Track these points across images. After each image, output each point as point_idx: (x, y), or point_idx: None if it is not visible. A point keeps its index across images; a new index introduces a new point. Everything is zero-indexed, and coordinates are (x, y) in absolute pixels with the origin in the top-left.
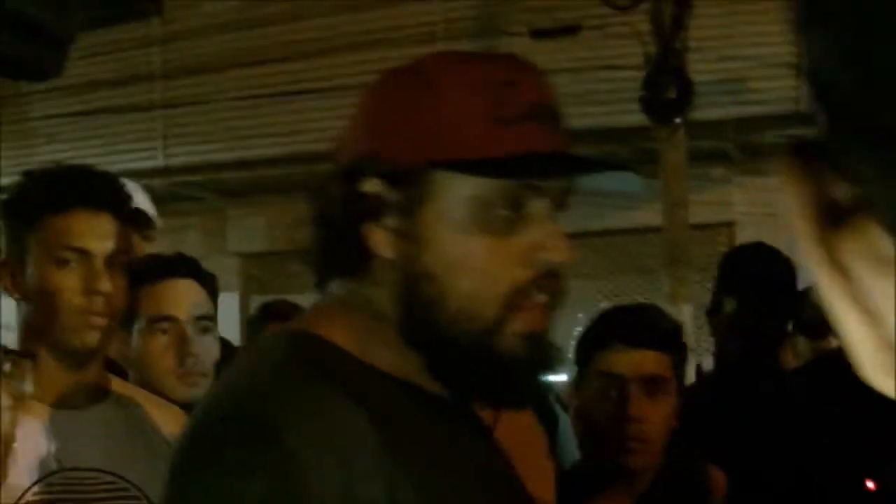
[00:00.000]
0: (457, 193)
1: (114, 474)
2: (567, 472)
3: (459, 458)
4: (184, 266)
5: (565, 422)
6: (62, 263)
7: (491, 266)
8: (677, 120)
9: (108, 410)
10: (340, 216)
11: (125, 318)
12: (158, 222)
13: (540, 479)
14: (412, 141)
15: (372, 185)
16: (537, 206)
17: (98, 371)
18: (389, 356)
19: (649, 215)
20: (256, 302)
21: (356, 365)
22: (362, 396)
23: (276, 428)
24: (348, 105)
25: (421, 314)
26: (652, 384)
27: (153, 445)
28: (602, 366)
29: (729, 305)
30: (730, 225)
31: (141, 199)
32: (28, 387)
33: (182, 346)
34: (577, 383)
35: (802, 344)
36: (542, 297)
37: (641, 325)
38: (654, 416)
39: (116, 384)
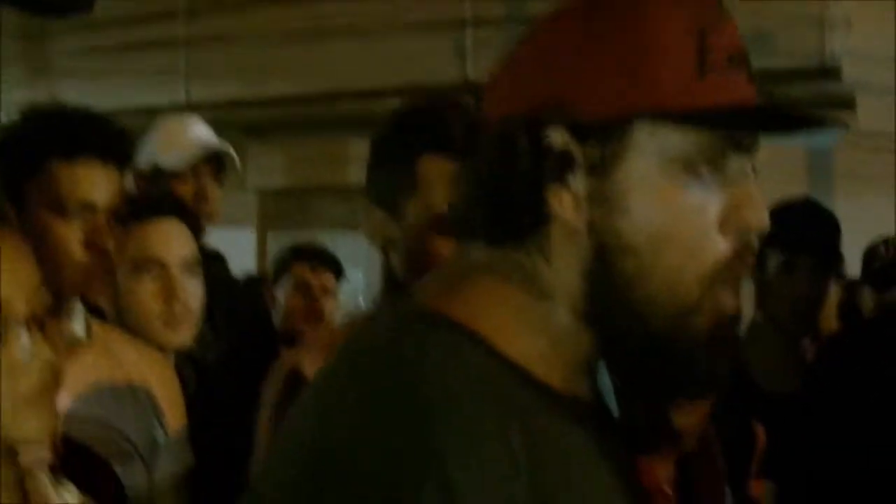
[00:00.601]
0: (658, 150)
1: (102, 422)
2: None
3: (608, 480)
4: (169, 205)
5: (603, 373)
6: (66, 214)
7: (694, 233)
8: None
9: (93, 355)
10: (520, 174)
11: None
12: (237, 162)
13: None
14: (610, 88)
15: (559, 138)
16: (736, 163)
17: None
18: (538, 345)
19: None
20: (273, 238)
21: (505, 367)
22: (516, 414)
23: (439, 463)
24: (372, 45)
25: (615, 293)
26: None
27: (136, 391)
28: None
29: (774, 259)
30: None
31: (216, 140)
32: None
33: (169, 290)
34: None
35: (868, 295)
36: (742, 271)
37: None
38: None
39: (98, 328)
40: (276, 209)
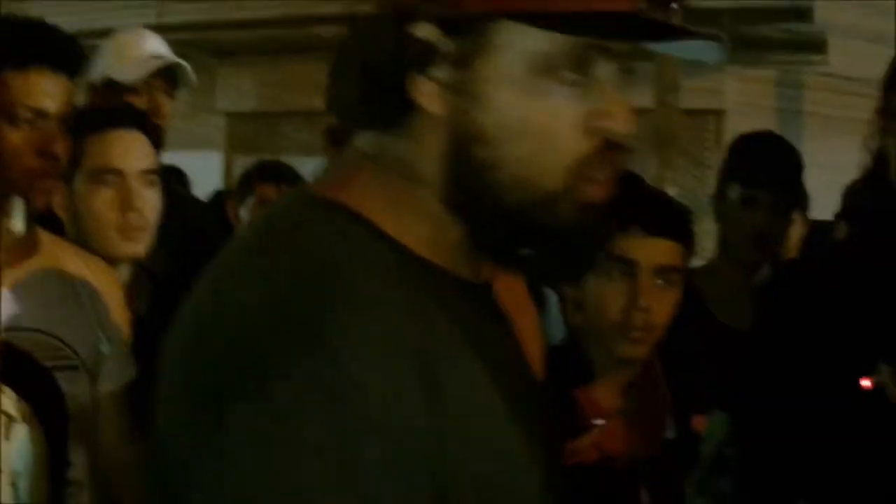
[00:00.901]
0: (522, 48)
1: (45, 332)
2: (553, 351)
3: (492, 352)
4: (130, 116)
5: (553, 303)
6: (17, 121)
7: (553, 131)
8: (674, 5)
9: (38, 267)
10: (384, 62)
11: (67, 168)
12: (192, 76)
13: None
14: None
15: (425, 30)
16: (604, 69)
17: (30, 226)
18: (419, 227)
19: (640, 97)
20: (240, 161)
21: (390, 245)
22: (400, 287)
23: (323, 332)
24: None
25: (470, 179)
26: (664, 274)
27: (82, 303)
28: (615, 249)
29: (734, 192)
30: (720, 113)
31: (170, 54)
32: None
33: (126, 200)
34: None
35: (844, 232)
36: (604, 172)
37: (662, 212)
38: (662, 308)
39: (46, 238)
40: (244, 132)
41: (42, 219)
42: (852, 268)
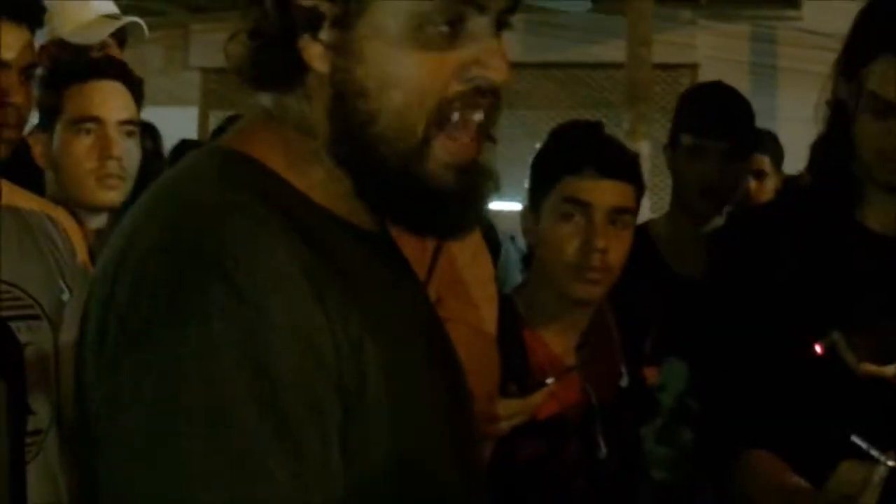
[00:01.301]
0: (395, 7)
1: (6, 282)
2: (508, 296)
3: (390, 294)
4: (112, 68)
5: (507, 250)
6: None
7: (422, 81)
8: None
9: None
10: (274, 28)
11: (48, 117)
12: (145, 31)
13: (486, 300)
14: None
15: None
16: (478, 23)
17: None
18: (317, 177)
19: (613, 51)
20: (215, 117)
21: (290, 192)
22: (299, 228)
23: (223, 267)
24: None
25: (351, 131)
26: (618, 215)
27: (43, 253)
28: (570, 191)
29: (686, 141)
30: (693, 67)
31: (115, 8)
32: None
33: (104, 147)
34: (534, 204)
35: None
36: (475, 115)
37: (614, 154)
38: (618, 249)
39: (6, 188)
40: (218, 88)
41: (13, 169)
42: (806, 224)
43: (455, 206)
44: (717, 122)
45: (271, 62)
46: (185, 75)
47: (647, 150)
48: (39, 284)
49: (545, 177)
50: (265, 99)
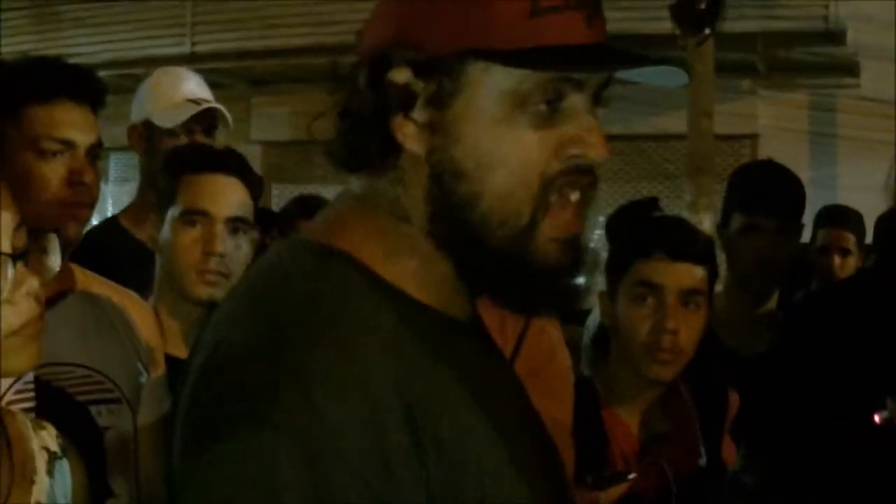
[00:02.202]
0: (492, 85)
1: (88, 367)
2: (587, 377)
3: (484, 389)
4: (231, 162)
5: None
6: (45, 154)
7: (524, 161)
8: (707, 30)
9: (77, 303)
10: (366, 107)
11: (163, 203)
12: (230, 120)
13: (561, 396)
14: (446, 28)
15: (401, 75)
16: (575, 100)
17: (66, 262)
18: (411, 266)
19: (674, 122)
20: (278, 190)
21: (383, 287)
22: (390, 328)
23: (303, 379)
24: None
25: (450, 213)
26: (689, 297)
27: (120, 337)
28: (642, 275)
29: (737, 221)
30: (753, 137)
31: (208, 93)
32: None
33: (208, 242)
34: (610, 287)
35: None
36: (575, 194)
37: (685, 238)
38: (689, 330)
39: (80, 274)
40: (279, 161)
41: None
42: (875, 299)
43: (562, 281)
44: (768, 199)
45: (363, 142)
46: (246, 149)
47: (709, 222)
48: (119, 368)
49: (619, 261)
50: (355, 184)
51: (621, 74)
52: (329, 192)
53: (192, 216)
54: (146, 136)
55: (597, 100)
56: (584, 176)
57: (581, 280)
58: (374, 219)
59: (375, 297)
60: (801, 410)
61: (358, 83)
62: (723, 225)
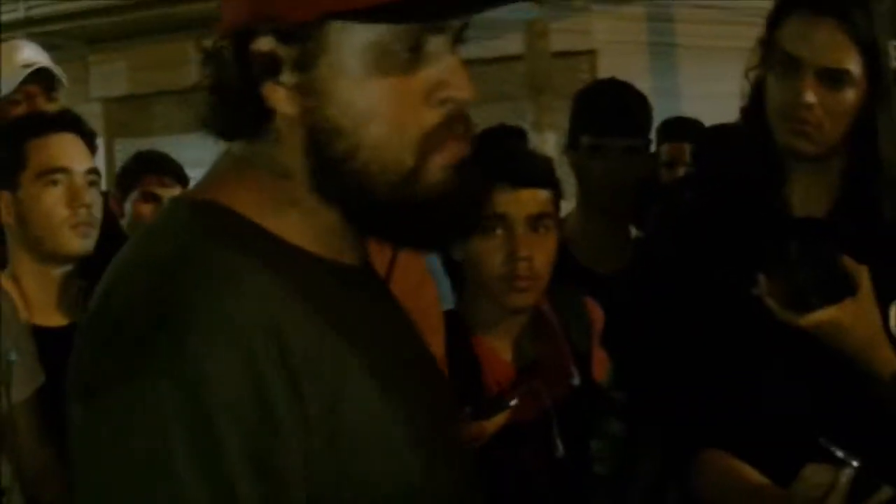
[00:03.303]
0: (353, 42)
1: None
2: (454, 310)
3: (376, 332)
4: (69, 121)
5: (433, 264)
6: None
7: (397, 110)
8: None
9: None
10: (236, 78)
11: (9, 173)
12: (63, 79)
13: (431, 329)
14: None
15: (265, 44)
16: (437, 43)
17: None
18: (293, 218)
19: (511, 44)
20: (121, 146)
21: (264, 236)
22: (273, 275)
23: (178, 328)
24: None
25: (331, 168)
26: (538, 222)
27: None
28: (487, 206)
29: (585, 142)
30: (591, 53)
31: (44, 58)
32: None
33: (75, 196)
34: None
35: None
36: (455, 137)
37: (525, 164)
38: (542, 254)
39: None
40: (120, 117)
41: None
42: (730, 220)
43: (458, 207)
44: (614, 119)
45: (237, 113)
46: (87, 107)
47: (553, 141)
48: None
49: None
50: (234, 147)
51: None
52: (170, 142)
53: (52, 175)
54: None
55: (458, 40)
56: (459, 124)
57: (477, 203)
58: (254, 176)
59: (254, 246)
60: (662, 320)
61: (224, 58)
62: (571, 146)
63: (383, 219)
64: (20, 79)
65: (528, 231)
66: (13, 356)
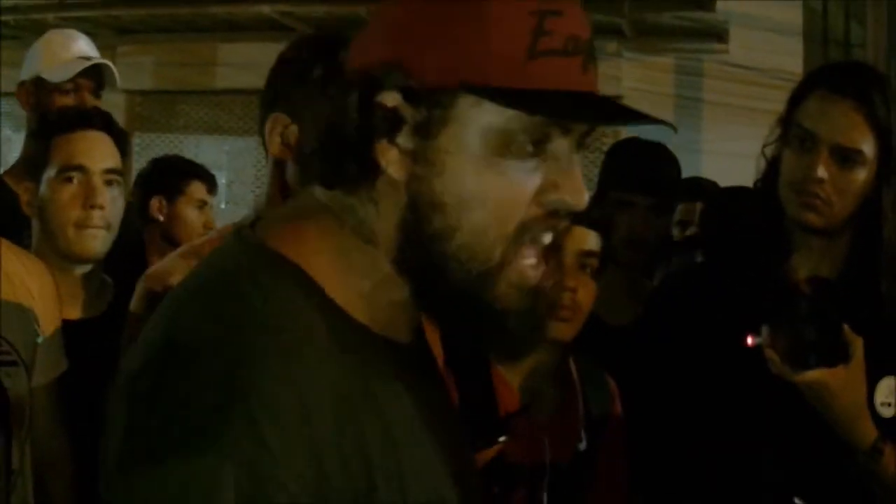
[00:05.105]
0: (481, 121)
1: None
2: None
3: (422, 412)
4: (97, 119)
5: None
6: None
7: (505, 202)
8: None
9: None
10: (352, 125)
11: (35, 167)
12: (116, 76)
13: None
14: (443, 59)
15: (391, 99)
16: (561, 144)
17: None
18: (363, 289)
19: None
20: (140, 139)
21: (330, 308)
22: (334, 353)
23: (251, 405)
24: None
25: (423, 243)
26: (585, 259)
27: (18, 298)
28: None
29: (613, 196)
30: (617, 99)
31: (96, 53)
32: None
33: (88, 196)
34: None
35: None
36: (547, 237)
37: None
38: (586, 290)
39: None
40: (143, 110)
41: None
42: (736, 283)
43: (517, 327)
44: (644, 177)
45: (345, 162)
46: (110, 97)
47: None
48: (16, 331)
49: None
50: (319, 192)
51: (609, 126)
52: (191, 142)
53: (68, 172)
54: (35, 92)
55: (580, 145)
56: (560, 220)
57: (536, 326)
58: (336, 234)
59: (323, 314)
60: (657, 374)
61: (346, 100)
62: (597, 199)
63: (448, 306)
64: (77, 70)
65: (576, 266)
66: (39, 339)
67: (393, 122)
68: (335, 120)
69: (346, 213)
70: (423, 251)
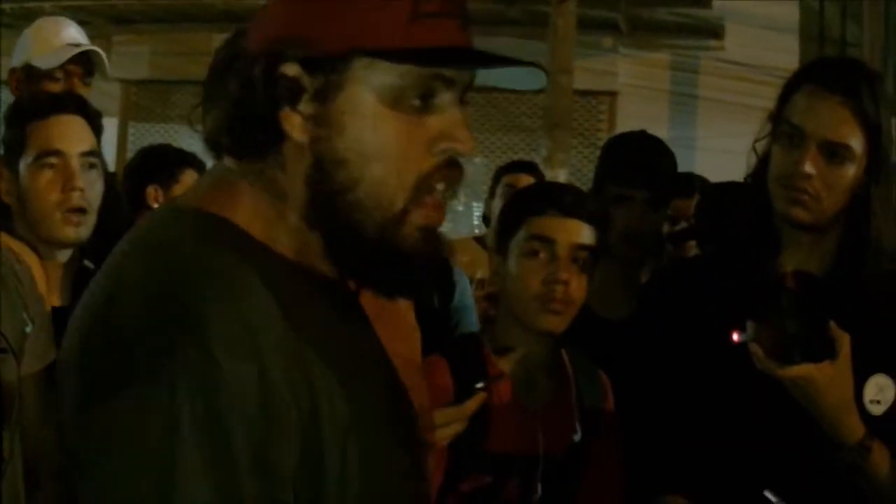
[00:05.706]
0: (374, 81)
1: None
2: (475, 334)
3: (349, 339)
4: (71, 102)
5: (463, 289)
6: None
7: (401, 152)
8: None
9: None
10: (257, 97)
11: (12, 154)
12: (106, 63)
13: (404, 336)
14: (336, 28)
15: (292, 69)
16: (446, 96)
17: None
18: (287, 239)
19: None
20: (135, 128)
21: (258, 249)
22: (267, 281)
23: (202, 333)
24: None
25: (329, 199)
26: (579, 252)
27: (7, 287)
28: (535, 230)
29: (610, 191)
30: (612, 94)
31: (86, 40)
32: None
33: (67, 180)
34: (501, 247)
35: None
36: (442, 185)
37: (575, 197)
38: (578, 283)
39: None
40: (138, 100)
41: None
42: (725, 278)
43: (423, 267)
44: (641, 171)
45: (252, 132)
46: (105, 86)
47: (564, 178)
48: (5, 319)
49: (511, 219)
50: (229, 161)
51: (485, 76)
52: (185, 131)
53: (46, 158)
54: (25, 79)
55: (462, 99)
56: (453, 169)
57: (439, 266)
58: (249, 192)
59: (254, 256)
60: (659, 359)
61: (250, 74)
62: (594, 193)
63: (358, 257)
64: (66, 56)
65: (570, 259)
66: (28, 328)
67: (295, 91)
68: (242, 94)
69: (257, 177)
70: (330, 204)
